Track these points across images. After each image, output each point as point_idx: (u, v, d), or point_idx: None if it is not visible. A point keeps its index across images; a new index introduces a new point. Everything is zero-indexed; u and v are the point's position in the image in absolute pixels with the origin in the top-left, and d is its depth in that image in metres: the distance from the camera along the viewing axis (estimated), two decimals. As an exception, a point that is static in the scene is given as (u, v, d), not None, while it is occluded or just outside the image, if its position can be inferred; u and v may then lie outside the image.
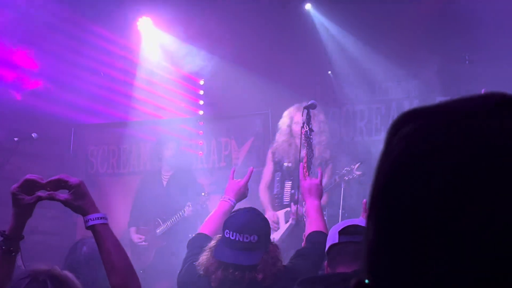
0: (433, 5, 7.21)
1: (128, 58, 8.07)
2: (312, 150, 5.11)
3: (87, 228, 2.20)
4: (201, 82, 8.22)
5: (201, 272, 2.81)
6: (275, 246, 2.88)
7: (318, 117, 5.65)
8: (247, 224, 2.81)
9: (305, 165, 4.62)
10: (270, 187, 6.09)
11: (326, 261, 2.41)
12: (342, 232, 2.28)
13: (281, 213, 5.75)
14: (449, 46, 7.03)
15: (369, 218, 0.68)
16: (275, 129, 6.63)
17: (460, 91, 7.09)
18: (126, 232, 7.10)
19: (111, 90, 7.98)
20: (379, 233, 0.65)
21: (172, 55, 8.02)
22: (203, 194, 6.71)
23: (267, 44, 7.72)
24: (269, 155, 6.13)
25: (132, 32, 8.00)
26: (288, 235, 5.40)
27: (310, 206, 3.29)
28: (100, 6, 7.35)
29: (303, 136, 4.69)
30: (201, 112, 8.21)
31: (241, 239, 2.77)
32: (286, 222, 5.65)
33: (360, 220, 2.38)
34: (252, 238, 2.76)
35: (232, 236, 2.78)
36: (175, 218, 6.72)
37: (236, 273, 2.73)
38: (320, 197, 3.33)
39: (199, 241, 3.12)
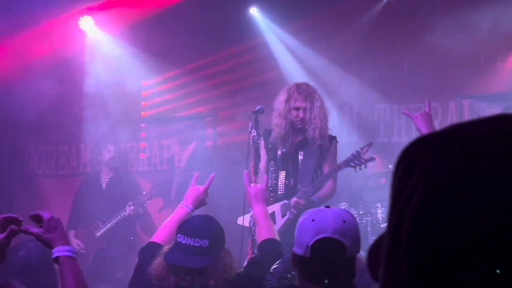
0: (373, 13, 7.37)
1: (71, 58, 7.93)
2: (259, 155, 5.11)
3: (53, 259, 2.27)
4: (144, 83, 8.15)
5: (154, 281, 2.81)
6: (227, 253, 2.89)
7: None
8: (199, 228, 2.83)
9: (252, 170, 4.65)
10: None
11: (296, 271, 2.37)
12: (314, 246, 2.20)
13: (276, 207, 5.26)
14: (388, 53, 7.18)
15: (398, 244, 0.64)
16: (219, 131, 6.65)
17: (399, 99, 7.28)
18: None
19: (50, 89, 7.81)
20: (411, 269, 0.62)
21: (114, 57, 7.92)
22: (144, 193, 6.68)
23: (212, 47, 7.72)
24: (262, 143, 5.39)
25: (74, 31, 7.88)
26: (285, 230, 4.91)
27: (258, 212, 3.31)
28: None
29: (250, 141, 4.67)
30: (142, 113, 8.13)
31: (191, 243, 2.78)
32: (283, 216, 5.20)
33: (334, 217, 2.24)
34: (203, 242, 2.78)
35: (184, 240, 2.80)
36: (116, 219, 6.65)
37: (187, 278, 2.73)
38: (266, 201, 3.36)
39: (151, 249, 3.11)
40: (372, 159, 5.27)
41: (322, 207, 2.32)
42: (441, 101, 7.22)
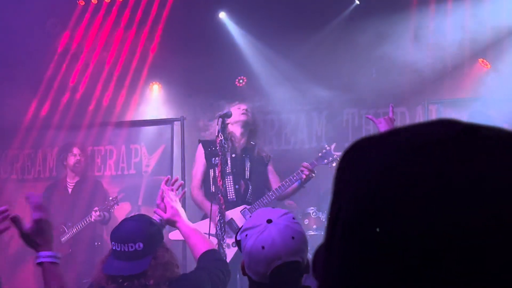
0: (341, 18, 7.42)
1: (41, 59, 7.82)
2: (227, 159, 5.12)
3: (37, 264, 2.24)
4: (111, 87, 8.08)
5: None
6: (165, 250, 2.82)
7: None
8: (130, 233, 2.75)
9: (219, 175, 4.61)
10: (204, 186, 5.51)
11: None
12: (271, 274, 2.11)
13: (235, 213, 5.20)
14: (357, 58, 7.23)
15: (332, 244, 0.66)
16: (187, 136, 6.61)
17: (368, 104, 7.33)
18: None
19: (15, 91, 7.70)
20: (346, 268, 0.63)
21: (83, 60, 7.84)
22: (110, 198, 6.60)
23: (181, 51, 7.68)
24: (202, 152, 5.47)
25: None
26: None
27: (186, 228, 3.12)
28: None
29: (217, 145, 4.64)
30: (111, 117, 8.05)
31: (126, 249, 2.72)
32: None
33: (283, 237, 2.13)
34: (137, 246, 2.72)
35: (118, 247, 2.73)
36: (81, 224, 6.56)
37: (126, 283, 2.68)
38: (180, 214, 3.16)
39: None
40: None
41: (264, 220, 2.13)
42: (409, 106, 7.29)
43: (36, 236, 2.24)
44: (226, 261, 3.06)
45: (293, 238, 2.12)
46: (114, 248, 2.75)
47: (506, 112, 6.20)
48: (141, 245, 2.71)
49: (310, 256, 2.31)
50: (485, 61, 7.06)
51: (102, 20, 7.92)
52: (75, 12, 7.92)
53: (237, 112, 5.39)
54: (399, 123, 7.07)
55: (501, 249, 0.57)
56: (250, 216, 2.30)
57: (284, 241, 2.10)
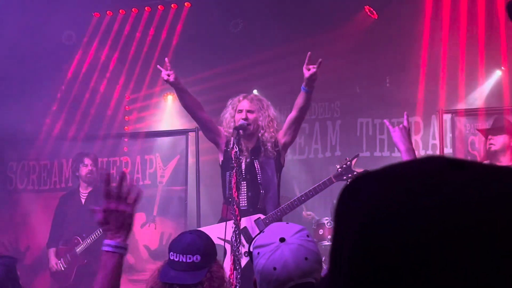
0: (356, 27, 7.43)
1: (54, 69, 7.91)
2: (242, 171, 5.06)
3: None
4: (126, 97, 8.14)
5: None
6: (219, 266, 2.91)
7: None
8: (189, 245, 2.86)
9: (234, 186, 4.60)
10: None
11: None
12: None
13: (248, 222, 5.08)
14: (371, 68, 7.23)
15: (337, 273, 0.70)
16: (202, 147, 6.63)
17: (381, 113, 7.33)
18: (46, 253, 6.94)
19: (31, 104, 7.77)
20: None
21: (99, 71, 7.91)
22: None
23: (195, 61, 7.73)
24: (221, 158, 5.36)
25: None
26: None
27: None
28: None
29: (233, 156, 4.64)
30: (126, 128, 8.11)
31: (184, 260, 2.82)
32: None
33: (296, 259, 2.06)
34: (195, 258, 2.82)
35: (176, 257, 2.84)
36: (95, 234, 6.60)
37: None
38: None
39: None
40: (365, 171, 5.14)
41: (277, 238, 2.07)
42: (423, 115, 7.28)
43: (102, 224, 2.28)
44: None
45: (306, 259, 2.05)
46: (172, 258, 2.85)
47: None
48: (199, 257, 2.82)
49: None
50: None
51: (117, 31, 7.99)
52: (91, 24, 8.00)
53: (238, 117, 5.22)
54: (413, 132, 7.07)
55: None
56: (263, 231, 2.19)
57: (296, 262, 2.04)
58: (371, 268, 0.65)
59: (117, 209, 2.27)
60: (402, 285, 0.63)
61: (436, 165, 0.69)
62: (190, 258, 2.82)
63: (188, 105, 5.29)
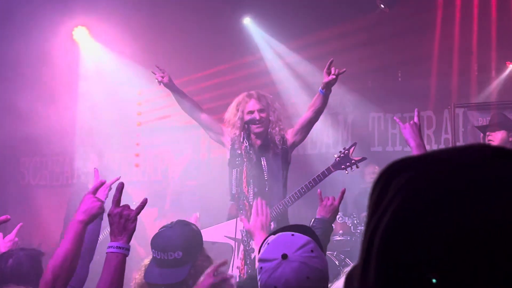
0: (367, 23, 7.40)
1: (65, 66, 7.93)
2: (252, 167, 5.05)
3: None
4: (138, 93, 8.15)
5: None
6: (205, 257, 2.84)
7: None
8: (169, 241, 2.79)
9: (245, 181, 4.59)
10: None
11: None
12: None
13: None
14: (383, 63, 7.20)
15: (369, 263, 0.67)
16: (213, 142, 6.62)
17: (393, 108, 7.30)
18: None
19: (44, 100, 7.81)
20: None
21: (110, 67, 7.92)
22: (134, 203, 6.63)
23: (208, 60, 7.73)
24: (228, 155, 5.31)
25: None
26: None
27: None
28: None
29: (243, 151, 4.62)
30: (138, 124, 8.12)
31: (165, 257, 2.76)
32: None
33: (297, 278, 2.01)
34: (176, 254, 2.75)
35: (158, 255, 2.79)
36: (106, 230, 6.61)
37: None
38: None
39: None
40: (363, 159, 5.03)
41: (279, 254, 2.01)
42: (435, 110, 7.24)
43: (110, 226, 2.45)
44: None
45: (308, 278, 1.99)
46: (154, 255, 2.81)
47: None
48: (180, 253, 2.75)
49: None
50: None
51: (129, 27, 8.00)
52: (102, 20, 8.01)
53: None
54: (425, 126, 7.04)
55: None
56: (268, 243, 2.13)
57: (298, 282, 1.99)
58: (404, 256, 0.63)
59: (121, 213, 2.44)
60: (439, 274, 0.61)
61: (480, 153, 0.67)
62: (171, 255, 2.75)
63: (187, 107, 5.31)
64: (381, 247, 0.65)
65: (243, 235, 4.42)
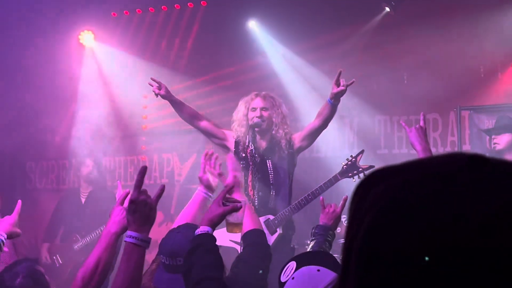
0: (372, 24, 7.39)
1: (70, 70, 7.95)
2: (257, 170, 5.05)
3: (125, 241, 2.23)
4: (144, 96, 8.16)
5: None
6: None
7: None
8: (177, 247, 2.75)
9: (250, 184, 4.59)
10: None
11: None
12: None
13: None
14: (388, 65, 7.19)
15: (347, 269, 0.69)
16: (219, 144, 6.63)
17: (399, 110, 7.28)
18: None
19: (49, 104, 7.83)
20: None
21: (116, 71, 7.94)
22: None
23: (211, 59, 7.74)
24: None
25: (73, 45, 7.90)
26: (276, 246, 4.55)
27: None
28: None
29: (248, 155, 4.62)
30: (143, 127, 8.13)
31: (174, 263, 2.73)
32: (273, 233, 4.88)
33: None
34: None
35: (166, 260, 2.75)
36: (95, 233, 6.61)
37: None
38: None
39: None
40: (370, 167, 5.05)
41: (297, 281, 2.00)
42: (441, 112, 7.22)
43: (129, 215, 2.23)
44: (265, 243, 2.99)
45: None
46: (163, 261, 2.76)
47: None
48: None
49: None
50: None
51: (134, 31, 8.02)
52: (108, 24, 8.04)
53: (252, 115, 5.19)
54: (431, 129, 7.03)
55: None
56: (293, 278, 2.06)
57: None
58: (382, 265, 0.65)
59: (146, 201, 2.25)
60: (413, 284, 0.63)
61: (456, 162, 0.68)
62: (180, 261, 2.69)
63: (186, 117, 5.32)
64: (360, 251, 0.67)
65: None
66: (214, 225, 2.62)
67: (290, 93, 7.52)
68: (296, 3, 7.39)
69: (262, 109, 5.15)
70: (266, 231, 4.87)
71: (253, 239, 2.96)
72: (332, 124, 7.63)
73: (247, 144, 4.70)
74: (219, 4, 7.72)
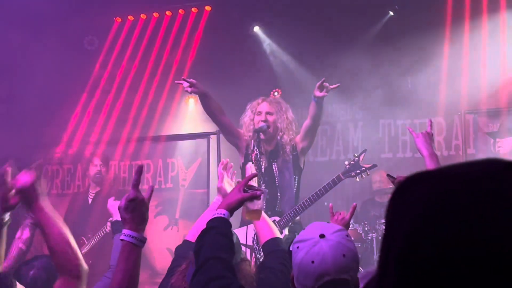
0: (376, 29, 7.40)
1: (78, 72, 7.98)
2: (263, 173, 5.06)
3: (121, 240, 2.21)
4: (150, 100, 8.18)
5: None
6: (247, 263, 2.85)
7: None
8: None
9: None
10: None
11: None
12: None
13: None
14: (393, 69, 7.20)
15: (386, 267, 0.70)
16: (223, 149, 6.64)
17: (404, 114, 7.29)
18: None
19: (52, 108, 7.85)
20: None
21: (124, 75, 7.97)
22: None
23: (216, 64, 7.75)
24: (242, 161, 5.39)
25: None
26: None
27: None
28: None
29: (253, 159, 4.64)
30: (150, 132, 8.15)
31: None
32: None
33: (334, 254, 2.10)
34: None
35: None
36: (99, 234, 6.60)
37: None
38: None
39: (185, 248, 3.08)
40: (373, 166, 5.12)
41: (317, 234, 2.11)
42: (445, 116, 7.22)
43: (126, 213, 2.21)
44: (284, 248, 2.98)
45: (344, 255, 2.09)
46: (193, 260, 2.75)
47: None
48: None
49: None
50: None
51: (138, 36, 8.05)
52: (112, 29, 8.07)
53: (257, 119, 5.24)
54: (435, 133, 7.03)
55: None
56: (303, 228, 2.23)
57: (334, 258, 2.08)
58: (420, 269, 0.65)
59: (144, 201, 2.25)
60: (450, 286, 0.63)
61: (494, 166, 0.69)
62: None
63: (211, 110, 5.31)
64: (400, 252, 0.68)
65: (255, 242, 4.43)
66: (232, 209, 2.66)
67: (296, 96, 7.54)
68: (300, 9, 7.41)
69: (267, 113, 5.18)
70: None
71: (272, 248, 3.03)
72: (336, 128, 7.68)
73: (252, 149, 4.71)
74: (224, 9, 7.74)
